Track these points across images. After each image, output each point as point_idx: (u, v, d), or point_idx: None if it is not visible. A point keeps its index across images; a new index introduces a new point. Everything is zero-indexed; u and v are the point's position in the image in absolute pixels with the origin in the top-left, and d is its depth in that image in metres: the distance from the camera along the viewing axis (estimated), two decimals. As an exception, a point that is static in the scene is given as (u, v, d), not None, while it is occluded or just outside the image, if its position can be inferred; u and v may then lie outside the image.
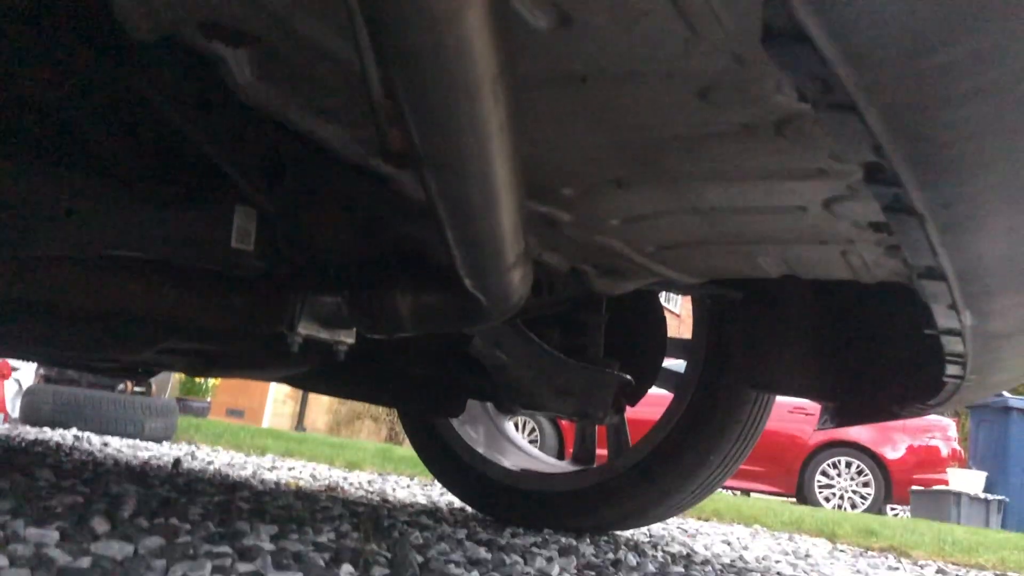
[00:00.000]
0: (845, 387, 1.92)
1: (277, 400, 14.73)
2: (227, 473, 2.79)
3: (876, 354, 1.86)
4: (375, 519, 1.75)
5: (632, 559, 1.76)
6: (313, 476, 3.37)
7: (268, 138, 1.06)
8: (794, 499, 8.84)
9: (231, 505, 1.66)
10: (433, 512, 2.27)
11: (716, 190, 1.17)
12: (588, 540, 2.05)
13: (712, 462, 2.11)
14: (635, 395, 2.14)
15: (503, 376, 1.76)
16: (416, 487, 3.52)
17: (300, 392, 14.59)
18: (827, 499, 8.95)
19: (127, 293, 1.29)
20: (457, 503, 2.80)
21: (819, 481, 9.07)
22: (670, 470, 2.09)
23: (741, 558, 2.30)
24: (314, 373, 2.00)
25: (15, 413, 5.17)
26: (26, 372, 5.72)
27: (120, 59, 0.94)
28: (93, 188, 0.98)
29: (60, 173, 0.95)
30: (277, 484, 2.61)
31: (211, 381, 12.03)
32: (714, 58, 0.83)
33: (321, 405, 15.28)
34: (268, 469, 3.48)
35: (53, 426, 4.72)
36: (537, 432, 8.63)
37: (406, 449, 8.86)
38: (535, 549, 1.70)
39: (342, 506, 1.97)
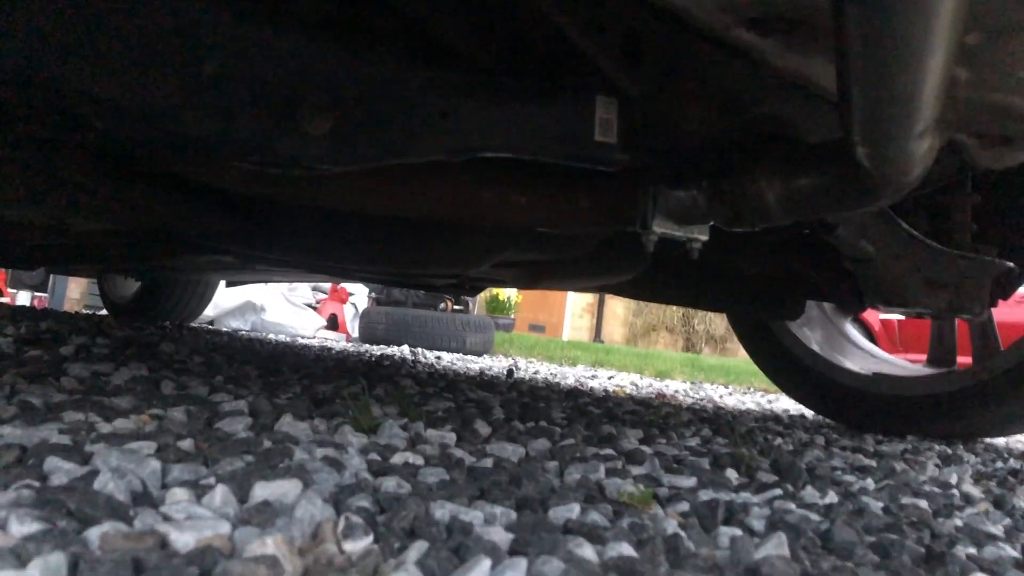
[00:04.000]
0: None
1: (575, 315, 15.16)
2: (557, 382, 2.85)
3: None
4: (730, 426, 1.68)
5: (1028, 469, 1.54)
6: (634, 384, 3.38)
7: (627, 15, 0.98)
8: None
9: (584, 410, 1.66)
10: (776, 419, 2.16)
11: None
12: (961, 447, 1.84)
13: (1113, 361, 1.79)
14: (1008, 287, 1.87)
15: (868, 270, 1.58)
16: (737, 395, 3.43)
17: (596, 306, 14.91)
18: None
19: (481, 201, 1.29)
20: (792, 409, 2.66)
21: None
22: (1060, 371, 1.81)
23: None
24: (641, 279, 1.95)
25: (355, 333, 5.72)
26: (360, 296, 6.31)
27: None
28: (463, 86, 0.96)
29: (432, 73, 0.94)
30: (607, 391, 2.63)
31: (514, 299, 12.62)
32: None
33: (616, 318, 15.51)
34: (589, 378, 3.55)
35: (387, 344, 5.16)
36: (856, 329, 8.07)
37: (711, 359, 8.76)
38: (910, 456, 1.54)
39: (686, 412, 1.92)
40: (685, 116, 1.10)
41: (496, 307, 12.34)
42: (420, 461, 0.88)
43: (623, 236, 1.48)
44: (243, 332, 5.31)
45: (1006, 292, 1.86)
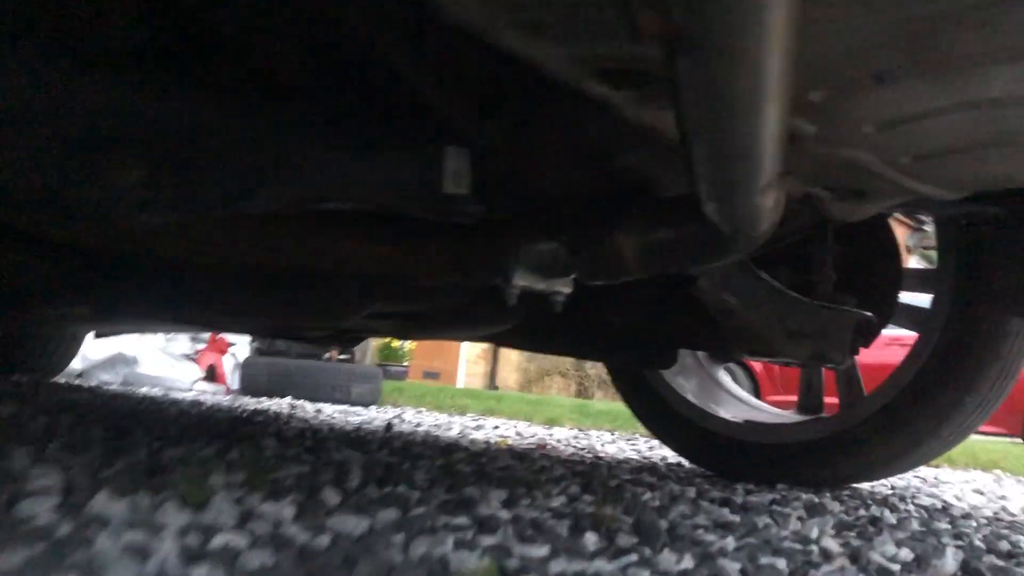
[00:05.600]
0: None
1: (469, 360, 15.09)
2: (437, 435, 2.78)
3: None
4: (602, 480, 1.65)
5: (889, 516, 1.56)
6: (519, 434, 3.34)
7: (479, 66, 0.95)
8: (1020, 439, 7.99)
9: (453, 468, 1.60)
10: (652, 469, 2.15)
11: (1008, 74, 0.95)
12: (829, 495, 1.86)
13: (967, 405, 1.85)
14: (869, 335, 1.92)
15: (730, 321, 1.59)
16: (621, 442, 3.43)
17: (491, 352, 14.89)
18: (1060, 437, 8.03)
19: (339, 251, 1.23)
20: (671, 458, 2.66)
21: (1050, 418, 8.15)
22: (919, 416, 1.86)
23: (1004, 509, 2.04)
24: (517, 329, 1.92)
25: (235, 385, 5.50)
26: (241, 347, 6.09)
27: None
28: (302, 132, 0.90)
29: (266, 117, 0.88)
30: (488, 444, 2.57)
31: (408, 345, 12.48)
32: None
33: (511, 363, 15.52)
34: (474, 428, 3.48)
35: (269, 395, 4.98)
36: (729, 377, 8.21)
37: (600, 403, 8.82)
38: (777, 507, 1.54)
39: (561, 466, 1.88)
40: (543, 168, 1.08)
41: (389, 355, 12.15)
42: (244, 543, 0.80)
43: (497, 288, 1.45)
44: (113, 386, 5.03)
45: (867, 340, 1.90)
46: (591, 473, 1.81)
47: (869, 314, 1.75)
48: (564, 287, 1.30)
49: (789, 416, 2.17)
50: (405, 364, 12.09)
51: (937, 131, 1.11)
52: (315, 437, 2.19)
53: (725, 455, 2.11)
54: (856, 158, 1.22)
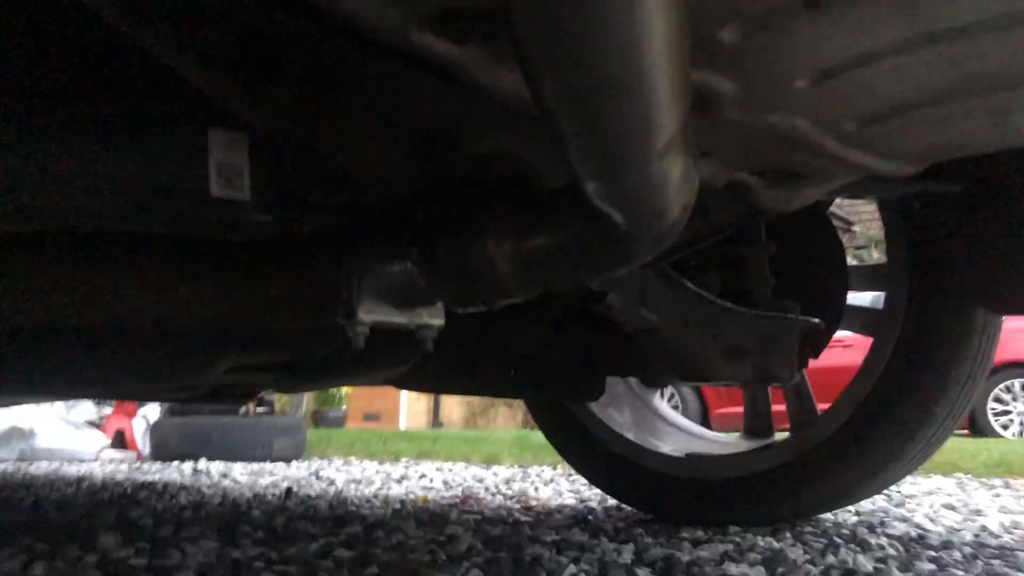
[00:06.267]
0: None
1: (411, 398, 14.62)
2: (346, 496, 2.45)
3: None
4: (518, 551, 1.34)
5: (864, 562, 1.30)
6: (446, 483, 3.02)
7: (238, 10, 0.65)
8: (967, 431, 7.90)
9: (328, 556, 1.29)
10: (586, 519, 1.86)
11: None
12: (789, 536, 1.59)
13: (937, 415, 1.60)
14: (818, 345, 1.66)
15: (654, 342, 1.32)
16: (560, 478, 3.14)
17: (432, 388, 14.47)
18: (1004, 427, 7.99)
19: (117, 297, 0.92)
20: (611, 498, 2.38)
21: (993, 408, 8.12)
22: (883, 433, 1.60)
23: (985, 529, 1.79)
24: (416, 370, 1.62)
25: (147, 450, 5.08)
26: (152, 407, 5.64)
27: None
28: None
29: None
30: (402, 503, 2.26)
31: (344, 388, 12.01)
32: None
33: (454, 397, 15.10)
34: (397, 480, 3.16)
35: (183, 458, 4.57)
36: (678, 400, 7.97)
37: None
38: (731, 566, 1.26)
39: (472, 532, 1.57)
40: (363, 158, 0.78)
41: (325, 400, 11.66)
42: None
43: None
44: (6, 464, 4.57)
45: (816, 350, 1.65)
46: (508, 539, 1.50)
47: (816, 320, 1.50)
48: (434, 318, 1.00)
49: (737, 444, 1.90)
50: (344, 408, 11.63)
51: (888, 81, 0.85)
52: (193, 514, 1.85)
53: (667, 496, 1.83)
54: (788, 126, 0.95)
